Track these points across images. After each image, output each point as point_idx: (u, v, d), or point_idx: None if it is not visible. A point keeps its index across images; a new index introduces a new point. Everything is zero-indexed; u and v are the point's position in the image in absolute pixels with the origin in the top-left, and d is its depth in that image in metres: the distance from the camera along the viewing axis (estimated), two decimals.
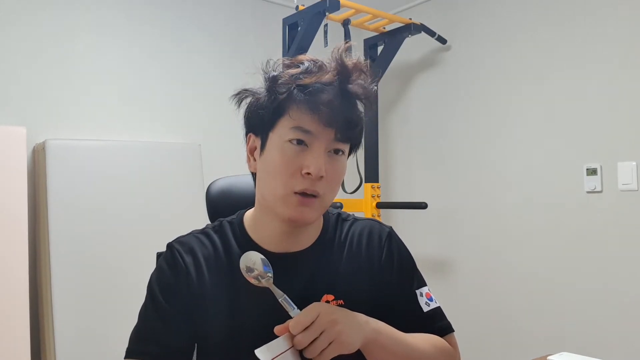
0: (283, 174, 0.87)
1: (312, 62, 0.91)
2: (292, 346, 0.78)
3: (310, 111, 0.86)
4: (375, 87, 0.94)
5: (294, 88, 0.88)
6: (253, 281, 0.84)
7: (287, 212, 0.88)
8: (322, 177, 0.87)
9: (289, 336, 0.78)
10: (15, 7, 2.35)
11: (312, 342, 0.76)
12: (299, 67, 0.91)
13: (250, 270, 0.84)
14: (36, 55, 2.38)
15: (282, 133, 0.88)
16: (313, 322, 0.76)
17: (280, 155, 0.88)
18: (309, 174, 0.86)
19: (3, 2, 2.32)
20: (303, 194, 0.87)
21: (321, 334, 0.76)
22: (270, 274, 0.83)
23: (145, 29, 2.69)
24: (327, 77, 0.89)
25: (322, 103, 0.86)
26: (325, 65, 0.91)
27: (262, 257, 0.85)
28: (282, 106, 0.89)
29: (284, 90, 0.89)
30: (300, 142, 0.87)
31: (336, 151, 0.90)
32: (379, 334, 0.85)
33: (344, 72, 0.89)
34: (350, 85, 0.89)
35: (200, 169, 2.67)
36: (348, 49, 0.91)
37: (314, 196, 0.88)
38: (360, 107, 0.93)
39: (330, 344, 0.77)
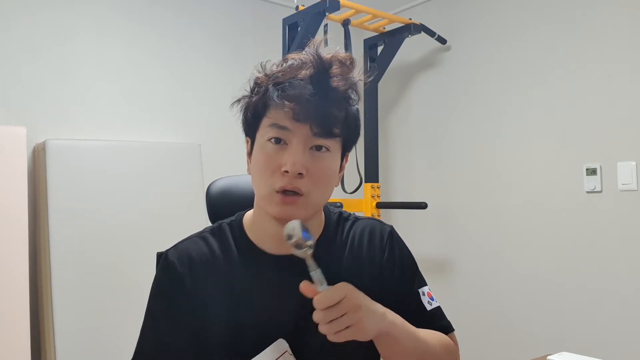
0: (265, 173, 0.87)
1: (296, 59, 0.90)
2: (285, 352, 0.80)
3: (283, 107, 0.85)
4: (359, 79, 0.92)
5: (270, 86, 0.88)
6: (293, 250, 0.81)
7: (272, 211, 0.88)
8: (301, 174, 0.85)
9: (279, 344, 0.79)
10: (15, 7, 2.35)
11: (331, 321, 0.76)
12: (282, 64, 0.90)
13: (289, 237, 0.81)
14: (36, 56, 2.38)
15: (263, 132, 0.89)
16: (339, 302, 0.76)
17: (262, 154, 0.88)
18: (287, 171, 0.85)
19: (3, 2, 2.32)
20: (284, 191, 0.86)
21: (343, 315, 0.76)
22: (310, 242, 0.80)
23: (145, 29, 2.69)
24: (303, 73, 0.87)
25: (294, 98, 0.85)
26: (305, 61, 0.89)
27: (301, 223, 0.82)
28: (262, 106, 0.89)
29: (262, 89, 0.89)
30: (278, 140, 0.86)
31: (318, 147, 0.87)
32: (394, 327, 0.85)
33: (320, 66, 0.87)
34: (330, 79, 0.87)
35: (200, 169, 2.67)
36: (328, 42, 0.90)
37: (297, 194, 0.86)
38: (346, 101, 0.90)
39: (347, 327, 0.76)
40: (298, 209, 0.87)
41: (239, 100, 0.94)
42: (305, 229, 0.81)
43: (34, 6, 2.39)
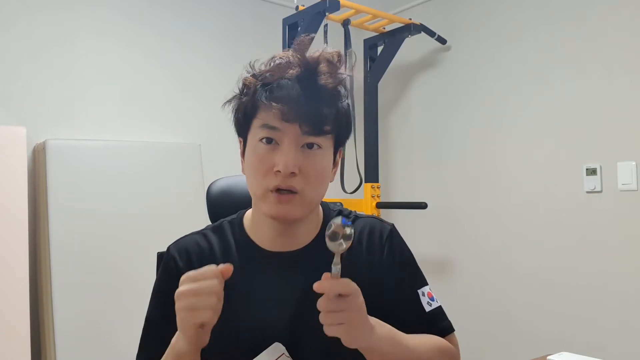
0: (258, 173, 0.88)
1: (283, 58, 0.90)
2: (282, 354, 0.80)
3: (272, 107, 0.86)
4: (348, 74, 0.92)
5: (259, 87, 0.89)
6: (327, 242, 0.77)
7: (268, 210, 0.89)
8: (293, 173, 0.86)
9: (275, 347, 0.80)
10: (15, 7, 2.35)
11: (329, 312, 0.75)
12: (271, 64, 0.91)
13: (329, 226, 0.77)
14: (36, 56, 2.38)
15: (255, 133, 0.89)
16: (344, 296, 0.76)
17: (254, 155, 0.89)
18: (279, 171, 0.85)
19: (3, 2, 2.32)
20: (279, 190, 0.87)
21: (342, 311, 0.75)
22: (348, 232, 0.76)
23: (145, 29, 2.69)
24: (290, 72, 0.88)
25: (282, 98, 0.85)
26: (291, 57, 0.89)
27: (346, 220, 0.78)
28: (251, 107, 0.90)
29: (251, 91, 0.90)
30: (270, 140, 0.87)
31: (309, 145, 0.88)
32: (380, 342, 0.83)
33: (307, 65, 0.88)
34: (317, 77, 0.88)
35: (200, 169, 2.67)
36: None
37: (291, 192, 0.87)
38: (336, 97, 0.91)
39: (341, 324, 0.76)
40: (294, 207, 0.88)
41: (229, 101, 0.95)
42: (348, 221, 0.77)
43: (34, 6, 2.39)
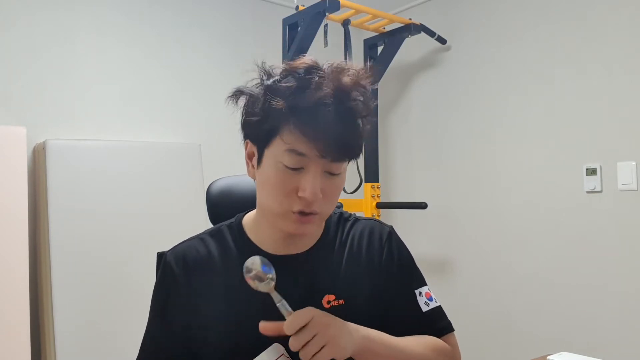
0: (279, 194, 0.86)
1: (309, 70, 0.85)
2: (282, 355, 0.81)
3: (304, 136, 0.82)
4: (375, 102, 0.91)
5: (287, 109, 0.83)
6: (251, 283, 0.82)
7: (286, 228, 0.89)
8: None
9: (275, 348, 0.81)
10: (15, 7, 2.35)
11: (305, 345, 0.76)
12: (295, 76, 0.85)
13: (249, 270, 0.83)
14: (36, 55, 2.38)
15: (276, 153, 0.85)
16: (307, 325, 0.77)
17: (276, 175, 0.86)
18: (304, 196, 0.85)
19: (3, 2, 2.32)
20: (301, 212, 0.86)
21: (314, 336, 0.76)
22: (271, 276, 0.82)
23: (145, 29, 2.69)
24: (322, 94, 0.82)
25: (316, 132, 0.82)
26: (322, 78, 0.84)
27: (264, 258, 0.84)
28: (276, 127, 0.84)
29: (277, 110, 0.83)
30: (295, 167, 0.84)
31: (332, 173, 0.87)
32: (370, 341, 0.85)
33: (341, 93, 0.84)
34: (349, 103, 0.85)
35: (200, 169, 2.67)
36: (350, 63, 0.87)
37: (313, 213, 0.87)
38: (365, 125, 0.89)
39: (323, 347, 0.77)
40: (312, 225, 0.90)
41: (234, 95, 0.90)
42: (265, 263, 0.83)
43: (34, 6, 2.39)
